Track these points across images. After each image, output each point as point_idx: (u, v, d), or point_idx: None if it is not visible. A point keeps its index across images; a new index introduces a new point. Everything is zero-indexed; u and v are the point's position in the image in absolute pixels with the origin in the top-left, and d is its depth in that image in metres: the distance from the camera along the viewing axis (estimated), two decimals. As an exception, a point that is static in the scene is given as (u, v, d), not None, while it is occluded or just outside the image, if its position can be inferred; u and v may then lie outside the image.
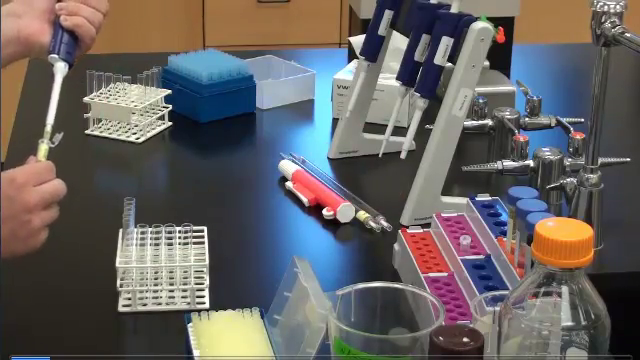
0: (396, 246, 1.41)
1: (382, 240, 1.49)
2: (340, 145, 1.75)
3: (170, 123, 1.88)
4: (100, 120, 1.86)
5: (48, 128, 1.23)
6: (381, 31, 1.65)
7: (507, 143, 1.67)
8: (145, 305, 1.31)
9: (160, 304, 1.31)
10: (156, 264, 1.34)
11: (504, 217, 1.33)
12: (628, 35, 1.37)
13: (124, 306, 1.30)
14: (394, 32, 1.67)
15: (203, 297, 1.32)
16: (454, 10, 1.52)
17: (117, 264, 1.31)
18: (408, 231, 1.40)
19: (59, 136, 1.22)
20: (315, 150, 1.78)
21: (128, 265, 1.32)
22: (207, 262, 1.33)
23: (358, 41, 1.85)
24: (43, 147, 1.21)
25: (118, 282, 1.31)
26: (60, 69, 1.29)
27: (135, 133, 1.83)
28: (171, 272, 1.34)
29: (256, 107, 1.94)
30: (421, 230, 1.40)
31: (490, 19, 1.50)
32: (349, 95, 1.71)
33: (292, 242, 1.56)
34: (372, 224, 1.51)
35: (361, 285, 1.08)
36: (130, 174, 1.78)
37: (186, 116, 1.89)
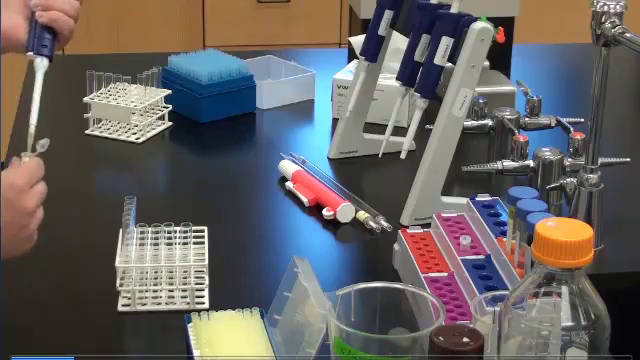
0: (396, 246, 1.41)
1: (382, 240, 1.49)
2: (340, 145, 1.75)
3: (170, 123, 1.88)
4: (100, 120, 1.86)
5: (32, 129, 1.22)
6: (381, 31, 1.65)
7: (507, 143, 1.67)
8: (145, 305, 1.31)
9: (160, 304, 1.31)
10: (155, 264, 1.34)
11: (504, 217, 1.33)
12: (628, 35, 1.37)
13: (124, 306, 1.30)
14: (394, 32, 1.67)
15: (203, 297, 1.32)
16: (454, 10, 1.52)
17: (117, 264, 1.31)
18: (408, 231, 1.40)
19: (44, 142, 1.20)
20: (315, 150, 1.78)
21: (128, 265, 1.32)
22: (207, 262, 1.33)
23: (358, 41, 1.85)
24: (28, 156, 1.19)
25: (118, 282, 1.31)
26: (40, 66, 1.28)
27: (135, 133, 1.83)
28: (171, 272, 1.34)
29: (256, 107, 1.94)
30: (421, 230, 1.40)
31: (490, 19, 1.50)
32: (349, 95, 1.71)
33: (292, 242, 1.56)
34: (372, 224, 1.51)
35: (361, 285, 1.08)
36: (130, 174, 1.78)
37: (186, 116, 1.89)
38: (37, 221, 1.16)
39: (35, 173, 1.17)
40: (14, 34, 1.29)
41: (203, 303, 1.31)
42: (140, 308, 1.30)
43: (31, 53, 1.28)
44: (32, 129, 1.22)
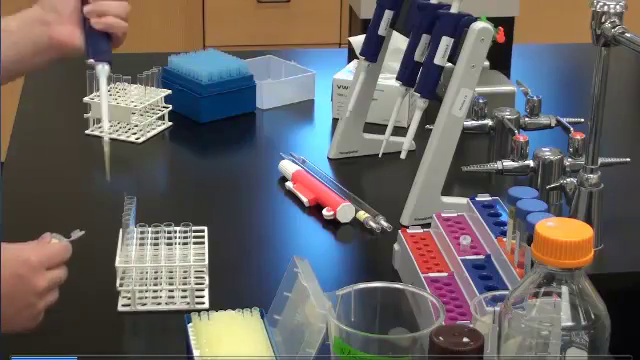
0: (396, 246, 1.41)
1: (382, 240, 1.49)
2: (340, 145, 1.75)
3: (170, 123, 1.88)
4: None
5: (106, 138, 1.22)
6: (381, 31, 1.65)
7: (507, 143, 1.67)
8: (145, 305, 1.31)
9: (160, 304, 1.31)
10: (155, 264, 1.34)
11: (504, 217, 1.33)
12: (628, 35, 1.37)
13: (124, 306, 1.31)
14: (394, 32, 1.67)
15: (202, 297, 1.32)
16: (454, 10, 1.52)
17: (116, 264, 1.31)
18: (408, 231, 1.40)
19: (79, 233, 1.21)
20: (315, 150, 1.78)
21: (127, 265, 1.32)
22: (207, 262, 1.33)
23: (358, 41, 1.85)
24: (57, 237, 1.19)
25: (118, 282, 1.31)
26: (102, 72, 1.29)
27: (135, 133, 1.83)
28: (170, 272, 1.34)
29: (256, 107, 1.94)
30: (421, 230, 1.40)
31: (490, 19, 1.50)
32: (349, 95, 1.71)
33: (292, 242, 1.56)
34: (372, 224, 1.51)
35: (361, 285, 1.08)
36: (130, 174, 1.78)
37: (186, 116, 1.89)
38: (45, 303, 1.14)
39: (56, 256, 1.16)
40: (71, 44, 1.29)
41: (203, 303, 1.31)
42: (140, 308, 1.30)
43: (92, 60, 1.28)
44: (106, 138, 1.22)
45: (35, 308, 1.14)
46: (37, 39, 1.28)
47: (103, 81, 1.28)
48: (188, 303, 1.31)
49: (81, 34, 1.29)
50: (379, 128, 1.75)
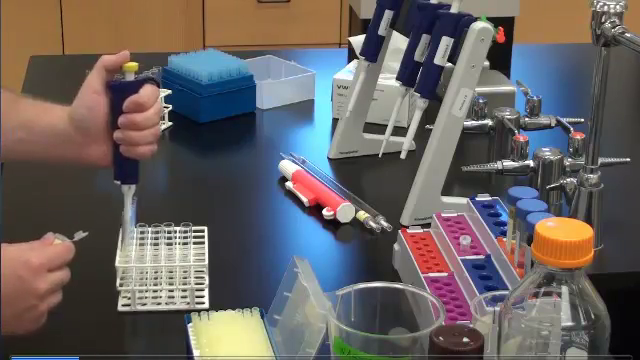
0: (396, 246, 1.41)
1: (382, 240, 1.49)
2: (340, 145, 1.75)
3: (170, 123, 1.88)
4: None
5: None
6: (381, 31, 1.65)
7: (507, 143, 1.67)
8: (144, 305, 1.31)
9: (159, 304, 1.31)
10: (155, 264, 1.33)
11: (504, 217, 1.33)
12: (628, 35, 1.37)
13: (123, 305, 1.31)
14: (394, 32, 1.67)
15: (202, 297, 1.32)
16: (454, 10, 1.52)
17: (116, 264, 1.31)
18: (408, 231, 1.40)
19: (82, 234, 1.21)
20: (315, 150, 1.78)
21: (127, 265, 1.32)
22: (206, 262, 1.33)
23: (358, 41, 1.85)
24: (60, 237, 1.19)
25: (117, 282, 1.31)
26: (128, 193, 1.30)
27: (135, 133, 1.83)
28: (170, 272, 1.34)
29: (256, 107, 1.94)
30: (421, 230, 1.40)
31: (490, 19, 1.50)
32: (349, 95, 1.71)
33: (292, 242, 1.56)
34: (372, 224, 1.51)
35: (361, 285, 1.08)
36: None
37: (186, 116, 1.89)
38: (47, 305, 1.14)
39: (58, 258, 1.15)
40: (101, 164, 1.29)
41: (203, 303, 1.31)
42: (140, 308, 1.30)
43: (119, 182, 1.29)
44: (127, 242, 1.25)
45: (36, 310, 1.13)
46: (68, 155, 1.27)
47: (128, 202, 1.28)
48: (188, 303, 1.31)
49: (109, 153, 1.28)
50: (379, 128, 1.75)
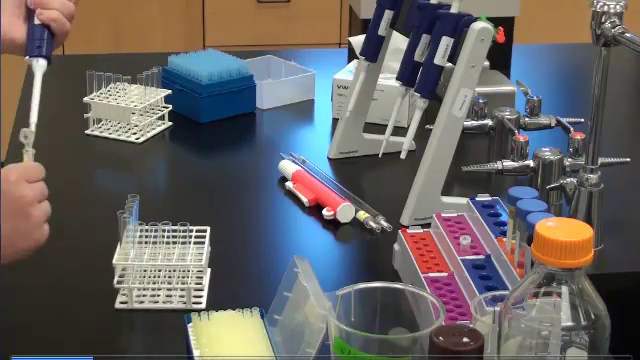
0: (396, 246, 1.41)
1: (382, 240, 1.49)
2: (340, 145, 1.75)
3: (170, 123, 1.88)
4: (100, 120, 1.86)
5: (32, 127, 1.22)
6: (381, 31, 1.65)
7: (507, 143, 1.67)
8: (142, 303, 1.31)
9: (157, 302, 1.31)
10: (153, 262, 1.33)
11: (504, 217, 1.33)
12: (628, 35, 1.37)
13: (121, 303, 1.31)
14: (394, 32, 1.67)
15: (200, 297, 1.32)
16: (454, 10, 1.52)
17: (114, 261, 1.31)
18: (408, 231, 1.40)
19: (27, 131, 1.20)
20: (315, 150, 1.78)
21: (125, 263, 1.32)
22: (204, 262, 1.33)
23: (358, 41, 1.85)
24: (27, 155, 1.20)
25: (115, 279, 1.31)
26: (39, 67, 1.28)
27: (135, 133, 1.83)
28: (169, 271, 1.34)
29: (256, 107, 1.94)
30: (421, 230, 1.40)
31: (490, 19, 1.50)
32: (349, 95, 1.71)
33: (292, 242, 1.56)
34: (372, 224, 1.51)
35: (361, 285, 1.08)
36: (130, 174, 1.78)
37: (186, 116, 1.89)
38: (41, 212, 1.15)
39: (33, 172, 1.16)
40: (10, 36, 1.28)
41: (200, 303, 1.31)
42: (137, 306, 1.30)
43: (27, 57, 1.28)
44: (33, 127, 1.22)
45: (32, 218, 1.14)
46: None
47: (38, 76, 1.27)
48: (185, 303, 1.31)
49: (21, 28, 1.28)
50: (379, 128, 1.75)
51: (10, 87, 1.82)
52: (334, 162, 1.75)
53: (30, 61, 1.28)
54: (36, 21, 1.28)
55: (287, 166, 1.68)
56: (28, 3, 1.28)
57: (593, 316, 0.94)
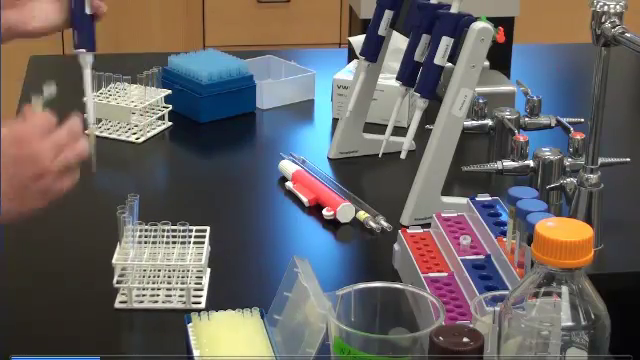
0: (396, 246, 1.41)
1: (382, 240, 1.49)
2: (340, 145, 1.75)
3: (170, 123, 1.88)
4: (100, 120, 1.86)
5: (93, 129, 1.18)
6: (381, 31, 1.65)
7: (507, 143, 1.67)
8: (142, 303, 1.31)
9: (156, 302, 1.31)
10: (152, 262, 1.33)
11: (504, 217, 1.33)
12: (628, 35, 1.37)
13: (121, 303, 1.31)
14: (394, 32, 1.67)
15: (200, 297, 1.32)
16: (454, 10, 1.52)
17: (114, 261, 1.31)
18: (408, 231, 1.40)
19: (52, 88, 1.12)
20: (315, 150, 1.78)
21: (125, 262, 1.32)
22: (203, 262, 1.33)
23: (358, 41, 1.85)
24: (38, 103, 1.11)
25: (115, 279, 1.31)
26: (88, 63, 1.24)
27: (135, 133, 1.83)
28: (169, 271, 1.34)
29: (256, 107, 1.94)
30: (421, 230, 1.40)
31: (490, 19, 1.50)
32: (349, 95, 1.71)
33: (292, 242, 1.56)
34: (372, 224, 1.51)
35: (361, 285, 1.08)
36: (130, 174, 1.78)
37: (186, 116, 1.89)
38: (54, 174, 1.09)
39: (47, 123, 1.10)
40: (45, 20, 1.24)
41: (199, 303, 1.31)
42: (136, 305, 1.30)
43: (77, 50, 1.22)
44: (94, 129, 1.17)
45: (48, 173, 1.07)
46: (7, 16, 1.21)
47: (88, 73, 1.24)
48: (184, 302, 1.30)
49: (55, 13, 1.23)
50: (379, 128, 1.75)
51: (10, 87, 1.82)
52: (334, 162, 1.75)
53: (81, 54, 1.22)
54: (88, 10, 1.22)
55: (287, 166, 1.68)
56: None
57: (593, 316, 0.94)
